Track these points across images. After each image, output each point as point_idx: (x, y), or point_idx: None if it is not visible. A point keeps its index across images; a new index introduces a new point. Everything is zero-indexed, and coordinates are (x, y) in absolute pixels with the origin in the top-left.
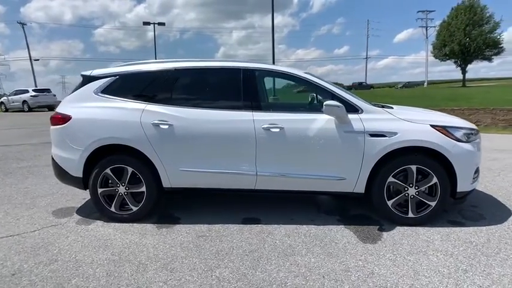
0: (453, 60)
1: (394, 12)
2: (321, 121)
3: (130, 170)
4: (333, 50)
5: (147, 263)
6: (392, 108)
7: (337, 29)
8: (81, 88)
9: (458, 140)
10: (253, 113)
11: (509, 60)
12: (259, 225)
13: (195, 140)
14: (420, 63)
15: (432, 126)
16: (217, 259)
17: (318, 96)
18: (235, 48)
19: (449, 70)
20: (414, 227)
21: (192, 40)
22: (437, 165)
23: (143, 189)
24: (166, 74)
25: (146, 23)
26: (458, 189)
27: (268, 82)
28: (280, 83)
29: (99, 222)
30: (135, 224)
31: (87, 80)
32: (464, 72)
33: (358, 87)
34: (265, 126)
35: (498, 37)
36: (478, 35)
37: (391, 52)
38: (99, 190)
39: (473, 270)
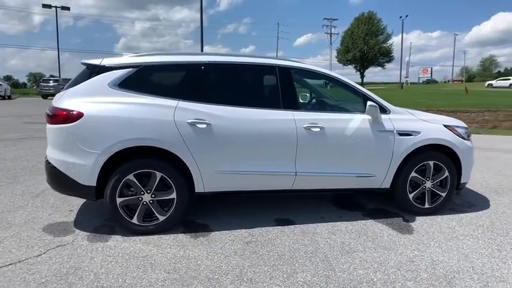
0: (354, 65)
1: (297, 16)
2: (357, 121)
3: (158, 175)
4: (240, 48)
5: (217, 277)
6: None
7: (243, 28)
8: (90, 80)
9: (463, 138)
10: (294, 112)
11: (389, 67)
12: (297, 225)
13: (235, 140)
14: (318, 67)
15: (445, 125)
16: (287, 264)
17: (313, 95)
18: (138, 40)
19: (344, 74)
20: (431, 216)
21: (89, 28)
22: (449, 160)
23: (173, 195)
24: (199, 69)
25: (46, 6)
26: (462, 181)
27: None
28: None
29: (118, 237)
30: (163, 236)
31: (97, 70)
32: (362, 76)
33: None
34: (306, 125)
35: (390, 47)
36: (375, 44)
37: (293, 54)
38: (118, 200)
39: (505, 249)
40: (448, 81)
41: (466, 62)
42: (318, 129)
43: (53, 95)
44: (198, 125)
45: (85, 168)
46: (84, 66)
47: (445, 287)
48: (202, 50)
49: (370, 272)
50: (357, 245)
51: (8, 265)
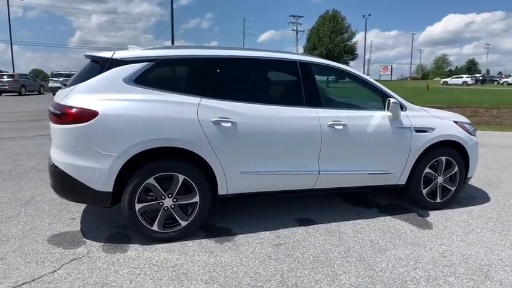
0: None
1: (260, 13)
2: (377, 118)
3: (181, 177)
4: (203, 43)
5: (260, 284)
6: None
7: (206, 24)
8: (102, 75)
9: (470, 134)
10: (317, 109)
11: (351, 64)
12: (319, 225)
13: (260, 139)
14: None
15: (455, 122)
16: (326, 266)
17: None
18: (94, 34)
19: None
20: (443, 211)
21: (40, 20)
22: (459, 156)
23: (196, 199)
24: (221, 63)
25: None
26: (469, 175)
27: None
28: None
29: (136, 246)
30: (186, 243)
31: (109, 64)
32: None
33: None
34: (330, 123)
35: (354, 45)
36: (340, 41)
37: None
38: (137, 206)
39: None
40: (406, 78)
41: (420, 60)
42: (341, 127)
43: (8, 91)
44: (223, 124)
45: (100, 172)
46: (89, 60)
47: (484, 281)
48: (173, 44)
49: (410, 269)
50: (385, 243)
51: (21, 285)
